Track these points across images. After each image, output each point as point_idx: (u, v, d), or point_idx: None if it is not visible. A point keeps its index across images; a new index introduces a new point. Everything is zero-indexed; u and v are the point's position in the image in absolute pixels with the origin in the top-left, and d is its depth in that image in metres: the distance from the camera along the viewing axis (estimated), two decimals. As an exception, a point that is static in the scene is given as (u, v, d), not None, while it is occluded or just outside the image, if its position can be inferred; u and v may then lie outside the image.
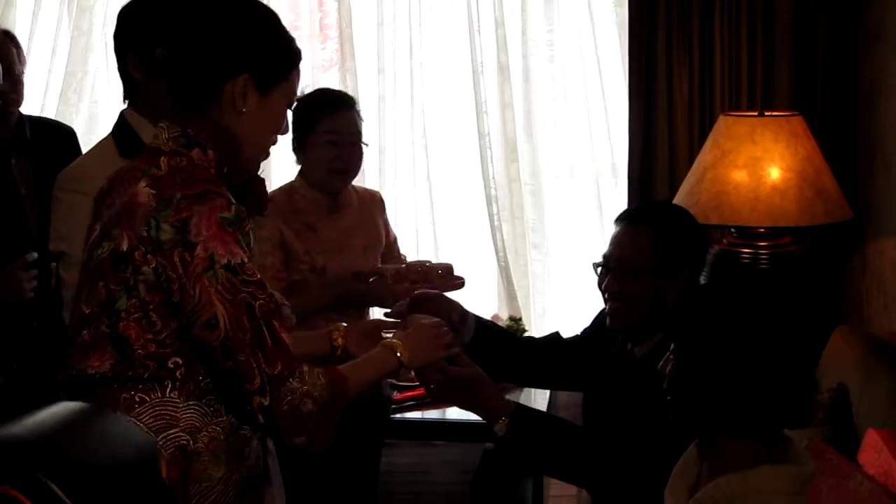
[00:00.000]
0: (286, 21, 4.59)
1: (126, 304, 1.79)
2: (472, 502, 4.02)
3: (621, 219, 2.50)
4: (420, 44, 4.60)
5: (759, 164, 3.29)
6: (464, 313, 2.70)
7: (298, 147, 3.27)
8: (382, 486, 4.32)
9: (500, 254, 4.61)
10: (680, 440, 1.86)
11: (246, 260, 1.80)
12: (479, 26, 4.48)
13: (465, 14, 4.49)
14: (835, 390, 2.86)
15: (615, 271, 2.41)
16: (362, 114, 4.54)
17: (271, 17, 1.97)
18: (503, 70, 4.51)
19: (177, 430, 1.82)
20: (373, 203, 3.47)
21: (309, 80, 4.64)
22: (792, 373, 1.71)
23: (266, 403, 1.79)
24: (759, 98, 4.01)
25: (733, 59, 4.07)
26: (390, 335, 2.23)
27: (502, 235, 4.60)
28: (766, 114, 3.46)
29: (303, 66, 4.69)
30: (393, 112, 4.65)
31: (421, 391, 3.90)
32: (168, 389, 1.82)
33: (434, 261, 3.57)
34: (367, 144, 3.28)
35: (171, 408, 1.82)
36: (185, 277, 1.75)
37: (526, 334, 4.39)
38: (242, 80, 1.88)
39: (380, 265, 3.37)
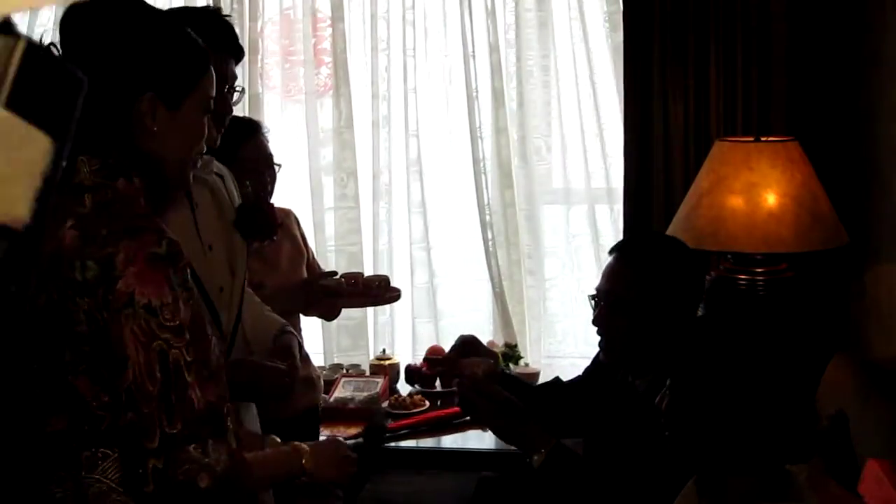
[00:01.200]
0: (279, 47, 4.71)
1: (70, 356, 1.68)
2: (469, 531, 3.97)
3: (611, 251, 2.49)
4: (414, 69, 4.59)
5: (755, 190, 3.26)
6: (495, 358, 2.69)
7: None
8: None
9: (495, 280, 4.59)
10: (678, 475, 1.83)
11: (170, 301, 1.67)
12: (473, 51, 4.47)
13: (460, 39, 4.49)
14: (833, 418, 2.82)
15: (604, 305, 2.40)
16: (356, 140, 4.62)
17: (169, 28, 1.86)
18: (497, 95, 4.51)
19: (144, 482, 1.70)
20: (289, 219, 3.52)
21: (303, 106, 4.65)
22: (791, 406, 1.68)
23: (160, 467, 1.65)
24: (754, 123, 3.99)
25: (728, 85, 4.06)
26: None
27: (497, 261, 4.57)
28: (763, 139, 3.44)
29: (297, 91, 4.75)
30: (387, 137, 4.64)
31: (413, 420, 3.88)
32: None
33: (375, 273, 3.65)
34: (279, 165, 3.28)
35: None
36: (107, 317, 1.64)
37: (521, 361, 4.36)
38: (147, 99, 1.79)
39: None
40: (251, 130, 3.21)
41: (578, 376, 2.75)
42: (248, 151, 3.11)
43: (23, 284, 0.98)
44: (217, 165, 2.51)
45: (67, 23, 1.79)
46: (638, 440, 2.22)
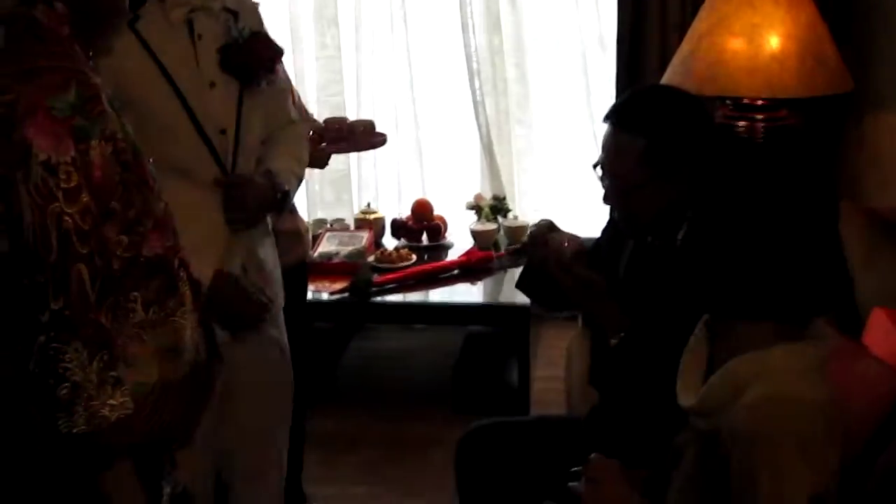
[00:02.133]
0: None
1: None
2: (456, 385, 3.94)
3: (608, 119, 2.29)
4: None
5: (757, 31, 3.10)
6: None
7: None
8: (364, 370, 4.25)
9: (483, 130, 4.46)
10: (690, 325, 1.74)
11: (71, 157, 1.48)
12: None
13: None
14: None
15: (610, 186, 2.24)
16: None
17: None
18: (486, -64, 4.30)
19: None
20: None
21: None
22: (816, 252, 1.57)
23: (43, 343, 1.49)
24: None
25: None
26: None
27: (485, 111, 4.44)
28: (766, -23, 3.27)
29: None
30: (369, -19, 4.44)
31: (401, 274, 3.80)
32: None
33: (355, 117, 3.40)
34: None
35: None
36: (2, 171, 1.47)
37: (510, 213, 4.26)
38: None
39: None
40: None
41: (597, 241, 2.58)
42: None
43: None
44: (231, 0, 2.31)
45: None
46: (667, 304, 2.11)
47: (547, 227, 2.38)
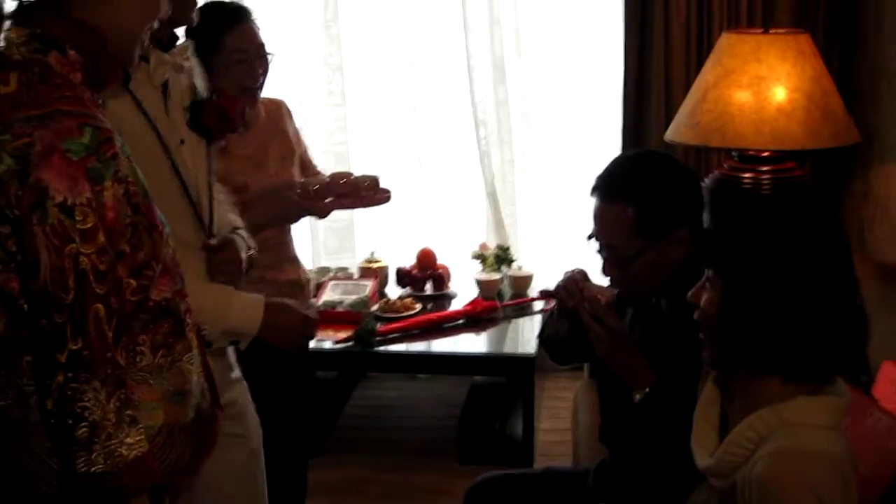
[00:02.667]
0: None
1: (1, 255, 1.51)
2: (461, 437, 3.91)
3: (596, 192, 2.27)
4: (401, -41, 4.40)
5: (763, 84, 3.11)
6: None
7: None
8: (368, 420, 4.22)
9: (488, 180, 4.47)
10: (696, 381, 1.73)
11: (86, 199, 1.47)
12: (464, -60, 4.28)
13: (451, -72, 4.29)
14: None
15: (608, 257, 2.23)
16: (342, 35, 4.42)
17: None
18: (492, -14, 4.33)
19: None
20: (279, 112, 3.25)
21: (287, -2, 4.46)
22: (836, 308, 1.57)
23: (62, 382, 1.48)
24: (759, 17, 3.85)
25: (733, -24, 3.90)
26: None
27: (490, 161, 4.45)
28: (771, 31, 3.28)
29: (281, -20, 4.53)
30: (375, 32, 4.45)
31: (405, 323, 3.78)
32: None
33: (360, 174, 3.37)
34: (272, 55, 3.00)
35: None
36: (18, 213, 1.46)
37: (514, 264, 4.26)
38: None
39: (301, 179, 3.23)
40: (238, 16, 2.99)
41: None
42: (235, 40, 2.91)
43: None
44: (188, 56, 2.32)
45: None
46: (667, 355, 2.09)
47: (582, 276, 2.36)
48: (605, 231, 2.20)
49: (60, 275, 1.47)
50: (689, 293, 1.69)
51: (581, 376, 3.56)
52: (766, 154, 3.22)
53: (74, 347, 1.48)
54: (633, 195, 2.16)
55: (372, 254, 4.36)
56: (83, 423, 1.48)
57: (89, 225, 1.48)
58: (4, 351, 1.55)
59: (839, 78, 3.48)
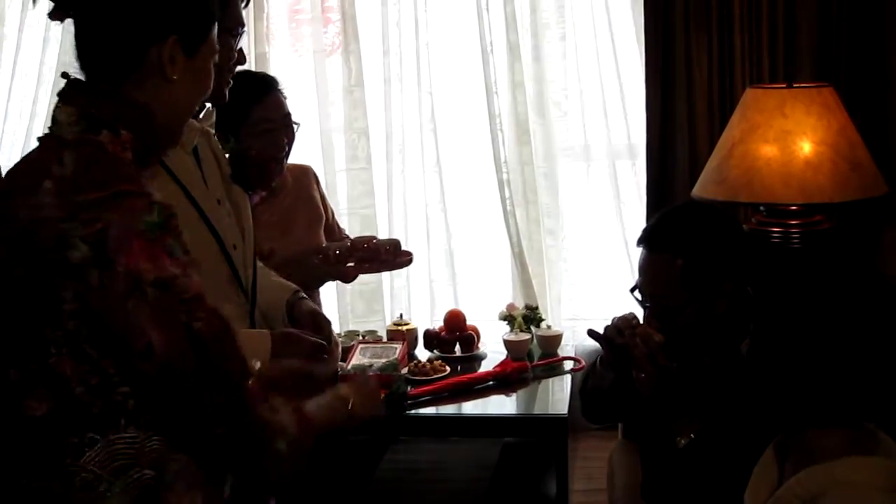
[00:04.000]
0: (285, 4, 4.57)
1: (53, 335, 1.51)
2: (493, 497, 3.87)
3: (643, 245, 2.28)
4: (426, 23, 4.45)
5: (790, 138, 3.12)
6: None
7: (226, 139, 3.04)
8: (400, 483, 4.18)
9: (514, 240, 4.47)
10: (760, 438, 1.70)
11: (178, 272, 1.51)
12: (486, 3, 4.34)
13: (473, -9, 4.35)
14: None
15: (653, 308, 2.23)
16: (367, 98, 4.47)
17: None
18: (513, 49, 4.37)
19: (138, 468, 1.56)
20: (306, 178, 3.30)
21: (311, 65, 4.52)
22: (879, 356, 1.55)
23: (224, 434, 1.56)
24: (781, 71, 3.87)
25: (754, 32, 3.93)
26: None
27: (516, 221, 4.45)
28: (795, 85, 3.30)
29: (305, 50, 4.60)
30: (399, 95, 4.51)
31: (435, 385, 3.77)
32: (122, 424, 1.54)
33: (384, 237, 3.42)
34: (298, 124, 3.07)
35: (128, 443, 1.55)
36: (107, 303, 1.48)
37: (543, 323, 4.24)
38: (170, 43, 1.61)
39: (325, 243, 3.24)
40: (265, 87, 3.03)
41: None
42: (261, 110, 2.95)
43: None
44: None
45: None
46: (724, 415, 2.08)
47: (633, 317, 2.36)
48: (652, 282, 2.21)
49: (177, 345, 1.49)
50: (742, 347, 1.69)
51: (614, 436, 3.53)
52: (794, 208, 3.22)
53: (219, 401, 1.54)
54: (681, 247, 2.17)
55: (400, 316, 4.35)
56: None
57: (193, 291, 1.52)
58: (46, 433, 1.54)
59: (866, 129, 3.48)
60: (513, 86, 4.39)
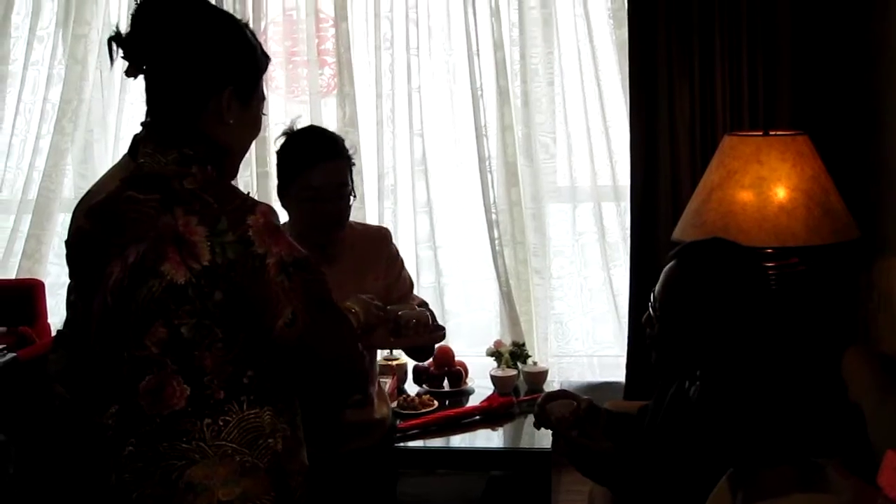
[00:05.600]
0: (282, 48, 4.69)
1: (195, 335, 1.78)
2: (478, 531, 3.95)
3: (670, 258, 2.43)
4: (418, 68, 4.59)
5: (765, 184, 3.24)
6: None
7: (280, 196, 2.85)
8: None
9: (503, 279, 4.58)
10: (712, 472, 1.81)
11: (307, 254, 1.84)
12: (477, 49, 4.47)
13: (464, 37, 4.48)
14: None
15: (649, 311, 2.36)
16: (360, 140, 4.58)
17: (240, 26, 1.95)
18: (502, 93, 4.50)
19: (264, 437, 1.84)
20: (374, 245, 3.02)
21: (307, 105, 4.63)
22: (820, 396, 1.66)
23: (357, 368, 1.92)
24: (761, 118, 3.99)
25: (734, 79, 4.05)
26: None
27: (504, 260, 4.57)
28: (771, 133, 3.42)
29: (301, 91, 4.72)
30: (391, 137, 4.63)
31: (423, 419, 3.86)
32: (245, 404, 1.82)
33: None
34: (354, 196, 2.86)
35: (252, 419, 1.83)
36: (260, 287, 1.77)
37: (529, 360, 4.34)
38: (227, 93, 1.88)
39: None
40: (324, 153, 2.77)
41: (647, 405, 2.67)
42: (313, 177, 2.73)
43: None
44: None
45: (144, 19, 1.85)
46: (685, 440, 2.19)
47: (545, 399, 2.53)
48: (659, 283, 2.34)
49: (312, 314, 1.81)
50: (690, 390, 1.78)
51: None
52: (769, 251, 3.33)
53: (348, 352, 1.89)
54: (693, 273, 2.30)
55: (390, 352, 4.45)
56: None
57: (320, 274, 1.86)
58: (181, 422, 1.80)
59: (840, 174, 3.59)
60: (502, 129, 4.52)
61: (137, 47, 1.84)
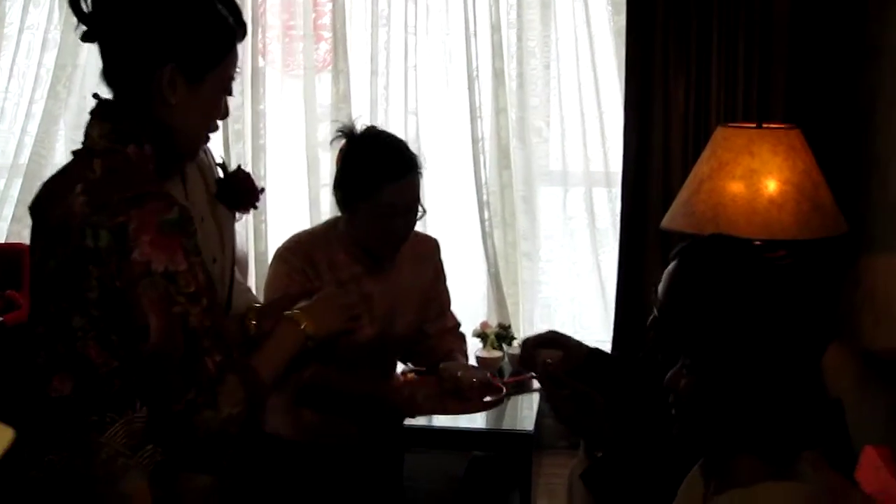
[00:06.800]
0: (279, 21, 4.67)
1: (80, 322, 1.70)
2: (459, 510, 3.97)
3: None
4: (415, 47, 4.59)
5: (756, 177, 3.25)
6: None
7: (344, 206, 2.72)
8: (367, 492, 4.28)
9: (491, 260, 4.59)
10: (685, 457, 1.82)
11: (185, 268, 1.68)
12: (475, 30, 4.46)
13: (462, 18, 4.47)
14: (830, 405, 2.82)
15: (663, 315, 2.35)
16: (353, 116, 4.55)
17: (198, 2, 1.81)
18: (498, 75, 4.50)
19: (152, 445, 1.74)
20: (424, 258, 2.97)
21: (301, 81, 4.63)
22: (799, 389, 1.68)
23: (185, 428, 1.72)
24: (754, 110, 3.99)
25: (730, 71, 4.06)
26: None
27: (493, 242, 4.58)
28: (764, 126, 3.43)
29: (296, 66, 4.70)
30: (385, 115, 4.63)
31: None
32: (138, 404, 1.73)
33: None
34: (424, 211, 2.76)
35: (143, 422, 1.74)
36: (122, 286, 1.65)
37: (514, 342, 4.36)
38: (168, 70, 1.76)
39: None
40: (403, 170, 2.66)
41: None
42: (390, 194, 2.62)
43: None
44: None
45: None
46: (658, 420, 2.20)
47: (532, 344, 2.47)
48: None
49: (170, 335, 1.66)
50: (668, 375, 1.80)
51: (577, 454, 3.64)
52: (758, 243, 3.35)
53: (190, 398, 1.68)
54: (694, 272, 2.28)
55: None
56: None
57: (192, 289, 1.68)
58: (71, 410, 1.72)
59: (832, 171, 3.60)
60: (496, 111, 4.53)
61: (89, 11, 1.76)
